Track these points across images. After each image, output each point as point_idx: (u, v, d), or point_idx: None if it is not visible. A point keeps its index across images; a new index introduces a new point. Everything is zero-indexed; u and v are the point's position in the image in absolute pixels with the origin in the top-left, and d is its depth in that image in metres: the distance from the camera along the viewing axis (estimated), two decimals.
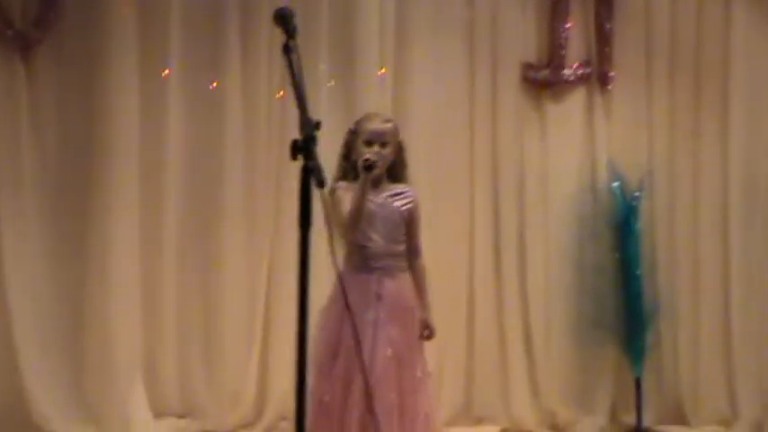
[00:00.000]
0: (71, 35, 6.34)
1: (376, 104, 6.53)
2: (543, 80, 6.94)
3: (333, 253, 3.55)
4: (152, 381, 6.43)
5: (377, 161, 4.29)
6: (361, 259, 4.35)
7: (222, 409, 6.46)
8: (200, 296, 6.55)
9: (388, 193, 4.45)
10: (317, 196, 3.11)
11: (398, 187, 4.51)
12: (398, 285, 4.37)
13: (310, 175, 3.07)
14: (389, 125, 4.49)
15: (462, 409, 6.81)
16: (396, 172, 4.52)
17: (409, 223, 4.47)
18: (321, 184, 3.05)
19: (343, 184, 4.44)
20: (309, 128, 3.09)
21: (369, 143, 4.37)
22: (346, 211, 4.28)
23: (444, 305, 6.73)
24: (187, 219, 6.55)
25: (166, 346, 6.50)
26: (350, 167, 4.49)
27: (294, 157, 3.10)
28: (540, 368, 6.85)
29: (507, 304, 6.86)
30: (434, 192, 6.73)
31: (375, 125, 4.43)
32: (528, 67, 6.93)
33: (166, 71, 6.47)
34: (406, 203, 4.47)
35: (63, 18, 6.29)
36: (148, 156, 6.42)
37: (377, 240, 4.33)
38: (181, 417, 6.51)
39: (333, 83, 6.62)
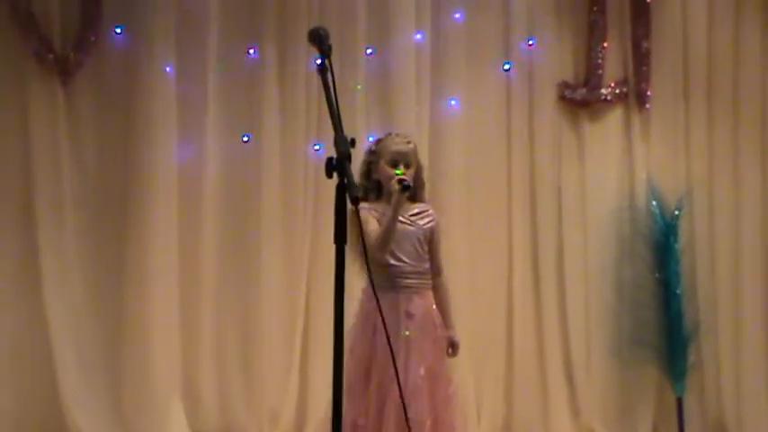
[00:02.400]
0: (110, 58, 6.41)
1: (413, 124, 6.57)
2: (580, 99, 6.93)
3: (369, 269, 3.55)
4: (190, 399, 6.45)
5: (410, 181, 4.33)
6: (388, 278, 4.37)
7: (261, 428, 6.46)
8: (239, 314, 6.56)
9: (410, 213, 4.47)
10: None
11: (419, 206, 4.54)
12: (427, 303, 4.40)
13: (345, 192, 3.09)
14: (412, 146, 4.53)
15: (502, 427, 6.78)
16: (415, 191, 4.55)
17: (432, 241, 4.50)
18: (355, 201, 3.07)
19: (365, 204, 4.46)
20: (344, 145, 3.11)
21: (394, 164, 4.40)
22: (372, 232, 4.29)
23: (484, 323, 6.76)
24: (225, 237, 6.57)
25: (205, 364, 6.51)
26: (371, 187, 4.52)
27: (329, 174, 3.12)
28: (579, 387, 6.82)
29: (546, 322, 6.84)
30: (473, 211, 6.75)
31: (400, 146, 4.46)
32: (565, 86, 6.92)
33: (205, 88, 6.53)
34: (429, 222, 4.50)
35: (103, 41, 6.38)
36: (186, 176, 6.45)
37: (404, 259, 4.35)
38: None
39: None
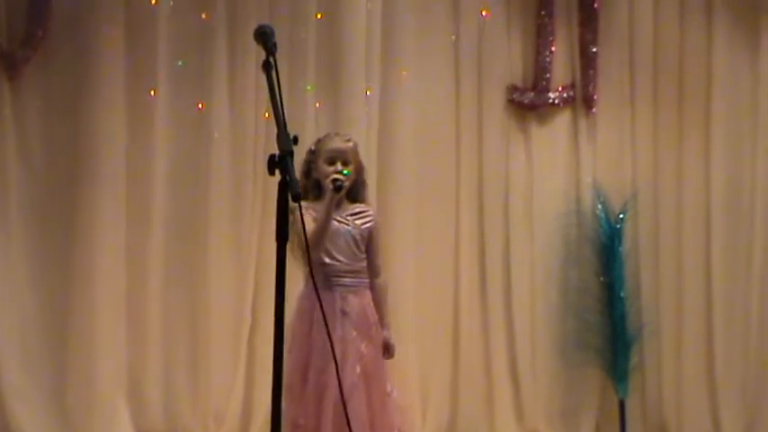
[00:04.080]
0: (58, 54, 6.36)
1: (362, 126, 6.59)
2: (528, 103, 6.98)
3: (311, 268, 3.55)
4: (136, 400, 6.41)
5: (344, 181, 4.33)
6: (324, 277, 4.38)
7: (206, 428, 6.43)
8: (185, 314, 6.54)
9: (348, 212, 4.48)
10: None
11: (358, 206, 4.55)
12: (362, 302, 4.40)
13: (287, 189, 3.09)
14: (351, 144, 4.53)
15: (447, 429, 6.80)
16: (356, 191, 4.55)
17: (369, 242, 4.51)
18: (296, 197, 3.08)
19: (303, 203, 4.47)
20: (286, 143, 3.11)
21: (331, 162, 4.41)
22: (309, 230, 4.30)
23: (429, 325, 6.78)
24: (173, 237, 6.54)
25: (151, 364, 6.48)
26: (310, 186, 4.53)
27: (271, 172, 3.13)
28: (524, 389, 6.85)
29: (492, 324, 6.87)
30: (420, 212, 6.76)
31: (337, 144, 4.47)
32: (513, 89, 6.96)
33: (153, 91, 6.51)
34: (367, 222, 4.51)
35: (50, 36, 6.33)
36: (135, 174, 6.42)
37: (339, 258, 4.36)
38: None
39: (318, 105, 6.66)
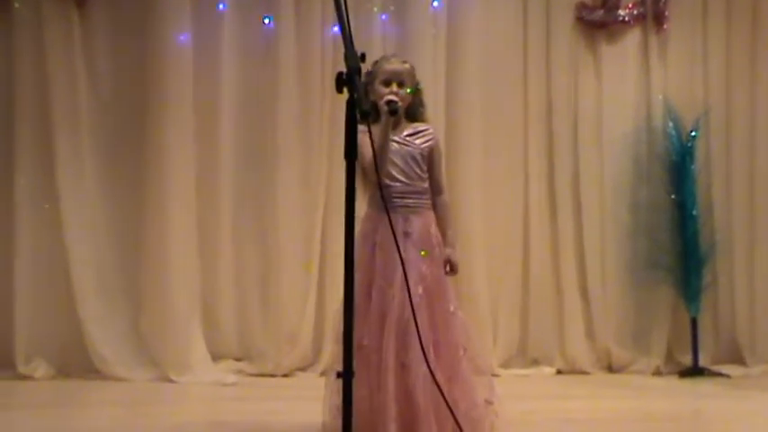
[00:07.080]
0: None
1: (430, 48, 6.55)
2: (598, 20, 6.89)
3: (381, 186, 3.54)
4: (210, 324, 6.51)
5: (399, 102, 4.30)
6: (386, 198, 4.37)
7: (279, 351, 6.51)
8: (257, 239, 6.59)
9: (407, 132, 4.45)
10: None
11: (418, 126, 4.52)
12: (425, 222, 4.38)
13: (355, 107, 3.09)
14: (407, 65, 4.49)
15: (518, 350, 6.83)
16: (414, 112, 4.52)
17: (430, 160, 4.48)
18: (365, 115, 3.07)
19: (361, 127, 4.45)
20: (354, 60, 3.10)
21: (386, 83, 4.38)
22: (368, 153, 4.29)
23: (499, 246, 6.78)
24: (243, 163, 6.59)
25: (224, 289, 6.57)
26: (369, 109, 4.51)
27: (339, 89, 3.13)
28: (595, 309, 6.85)
29: (562, 245, 6.86)
30: (489, 134, 6.73)
31: (393, 65, 4.44)
32: (582, 7, 6.88)
33: (220, 11, 6.52)
34: (427, 141, 4.47)
35: None
36: (203, 98, 6.44)
37: (400, 179, 4.34)
38: (238, 359, 6.58)
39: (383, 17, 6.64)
